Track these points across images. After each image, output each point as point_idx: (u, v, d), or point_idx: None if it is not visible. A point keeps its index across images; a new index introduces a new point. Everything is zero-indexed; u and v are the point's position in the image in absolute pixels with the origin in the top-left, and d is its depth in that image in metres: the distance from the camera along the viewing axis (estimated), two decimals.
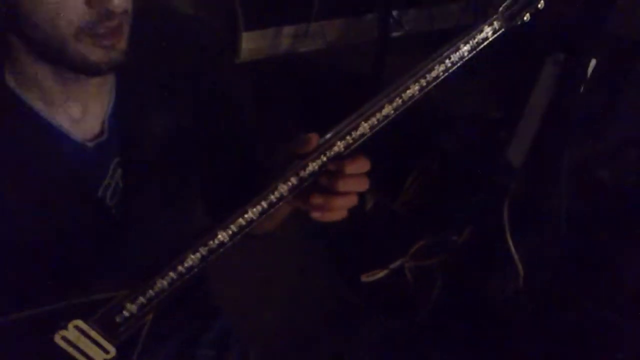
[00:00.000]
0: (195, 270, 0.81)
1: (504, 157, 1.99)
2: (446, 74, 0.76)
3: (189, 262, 0.80)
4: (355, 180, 0.78)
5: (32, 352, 0.82)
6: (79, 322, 0.80)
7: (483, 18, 0.78)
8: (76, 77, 0.82)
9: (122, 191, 0.92)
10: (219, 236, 0.79)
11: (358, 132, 0.76)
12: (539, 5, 0.80)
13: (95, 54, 0.75)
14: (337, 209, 0.80)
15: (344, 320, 2.05)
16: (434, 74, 0.76)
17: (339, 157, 0.77)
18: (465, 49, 0.77)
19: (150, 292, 0.81)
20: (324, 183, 0.78)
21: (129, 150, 0.91)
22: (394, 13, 3.17)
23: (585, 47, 1.81)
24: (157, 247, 0.89)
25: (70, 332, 0.80)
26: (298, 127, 0.78)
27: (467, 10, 3.29)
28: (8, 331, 0.83)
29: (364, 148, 0.79)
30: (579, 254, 1.99)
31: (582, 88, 1.81)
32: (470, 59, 0.78)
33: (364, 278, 2.13)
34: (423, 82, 0.76)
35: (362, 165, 0.78)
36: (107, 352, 0.82)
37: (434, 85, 0.77)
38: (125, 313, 0.81)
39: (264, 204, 0.78)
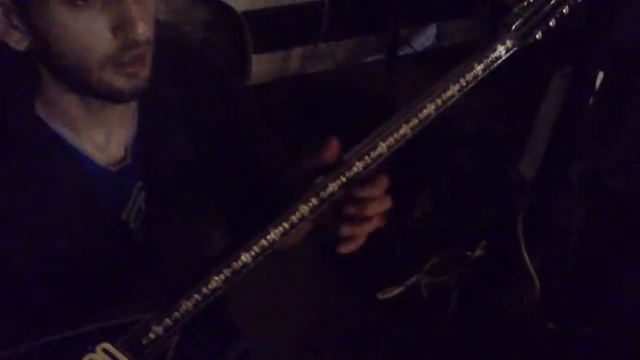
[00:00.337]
0: (220, 292, 0.82)
1: (515, 171, 2.00)
2: (461, 93, 0.78)
3: (213, 284, 0.81)
4: (380, 201, 0.80)
5: None
6: (107, 346, 0.82)
7: (495, 36, 0.80)
8: (102, 105, 0.84)
9: (145, 215, 0.94)
10: (243, 258, 0.80)
11: (376, 153, 0.77)
12: (551, 24, 0.81)
13: (120, 82, 0.78)
14: (365, 234, 0.81)
15: (361, 337, 2.05)
16: (449, 93, 0.78)
17: (358, 178, 0.78)
18: (479, 68, 0.78)
19: (176, 314, 0.83)
20: (351, 212, 0.79)
21: (151, 175, 0.93)
22: (402, 32, 3.19)
23: (592, 60, 1.82)
24: (180, 268, 0.90)
25: (99, 356, 0.82)
26: (307, 152, 0.80)
27: (475, 27, 3.32)
28: (36, 356, 0.85)
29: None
30: (594, 264, 1.99)
31: (591, 100, 1.82)
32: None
33: (380, 296, 2.13)
34: (439, 101, 0.78)
35: (383, 184, 0.79)
36: None
37: (450, 105, 0.78)
38: (152, 335, 0.83)
39: (286, 225, 0.79)
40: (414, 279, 2.16)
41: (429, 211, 2.37)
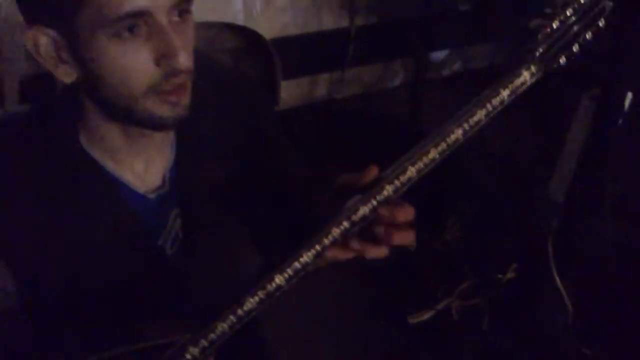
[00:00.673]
0: (254, 313, 0.84)
1: (545, 193, 2.00)
2: (488, 117, 0.80)
3: (248, 306, 0.83)
4: (405, 233, 0.81)
5: None
6: None
7: (519, 62, 0.82)
8: (141, 134, 0.88)
9: (181, 240, 0.97)
10: (276, 280, 0.82)
11: (406, 176, 0.79)
12: (574, 49, 0.83)
13: (162, 110, 0.81)
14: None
15: None
16: (476, 118, 0.79)
17: (389, 201, 0.80)
18: (505, 93, 0.79)
19: (212, 336, 0.85)
20: (380, 234, 0.81)
21: (187, 201, 0.96)
22: (427, 56, 3.22)
23: (620, 81, 1.82)
24: (215, 291, 0.93)
25: None
26: (337, 171, 0.81)
27: (500, 51, 3.33)
28: None
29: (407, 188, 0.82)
30: (628, 287, 1.96)
31: (620, 121, 1.81)
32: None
33: (411, 319, 2.13)
34: (466, 126, 0.79)
35: (410, 213, 0.81)
36: None
37: (477, 129, 0.80)
38: (188, 356, 0.85)
39: (318, 247, 0.81)
40: (444, 303, 2.15)
41: (459, 234, 2.37)
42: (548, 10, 0.82)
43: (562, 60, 0.82)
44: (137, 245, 0.95)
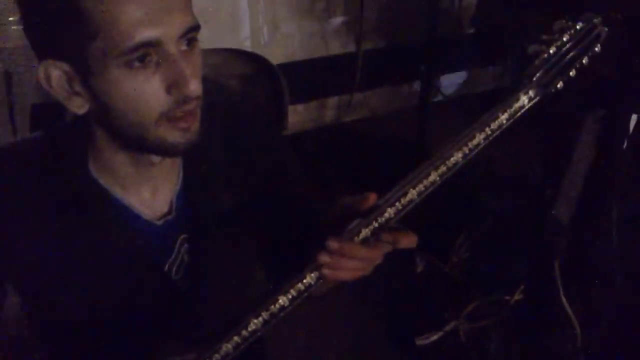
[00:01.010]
0: (258, 334, 0.86)
1: (551, 214, 1.99)
2: (487, 141, 0.81)
3: (252, 327, 0.85)
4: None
5: None
6: None
7: (518, 86, 0.83)
8: (149, 162, 0.90)
9: (188, 266, 0.98)
10: (280, 301, 0.84)
11: (407, 199, 0.81)
12: (571, 74, 0.84)
13: (173, 136, 0.82)
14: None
15: None
16: (475, 141, 0.81)
17: (389, 224, 0.82)
18: (503, 117, 0.81)
19: (217, 356, 0.86)
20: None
21: (194, 227, 0.97)
22: (434, 79, 3.24)
23: (625, 103, 1.83)
24: (221, 313, 0.94)
25: None
26: (344, 194, 0.82)
27: (505, 73, 3.35)
28: None
29: (413, 211, 0.83)
30: (637, 309, 1.95)
31: (625, 143, 1.82)
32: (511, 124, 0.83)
33: (419, 341, 2.12)
34: (465, 149, 0.81)
35: (412, 241, 0.83)
36: None
37: (476, 152, 0.82)
38: None
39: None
40: (452, 324, 2.15)
41: (466, 256, 2.37)
42: (545, 37, 0.84)
43: (560, 84, 0.84)
44: (143, 270, 0.96)
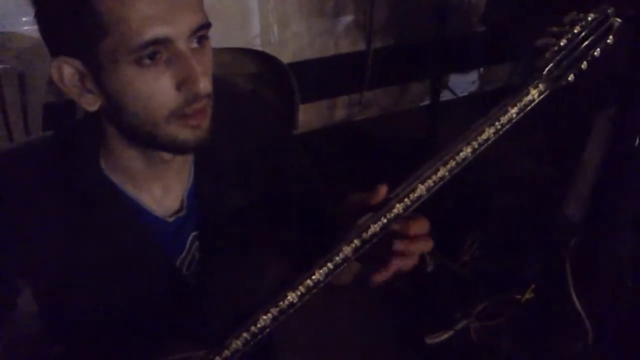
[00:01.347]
0: (268, 330, 0.86)
1: (561, 213, 1.99)
2: (496, 135, 0.81)
3: (261, 323, 0.85)
4: (421, 241, 0.83)
5: None
6: None
7: (527, 80, 0.82)
8: (161, 159, 0.90)
9: (198, 262, 0.99)
10: (289, 297, 0.84)
11: (415, 195, 0.80)
12: (582, 66, 0.84)
13: (184, 134, 0.82)
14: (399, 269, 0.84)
15: None
16: (484, 136, 0.80)
17: (398, 219, 0.81)
18: (513, 111, 0.81)
19: (226, 352, 0.86)
20: (396, 247, 0.83)
21: (205, 224, 0.98)
22: (444, 77, 3.24)
23: (636, 100, 1.82)
24: (231, 310, 0.94)
25: None
26: (355, 192, 0.82)
27: (515, 71, 3.34)
28: None
29: (423, 211, 0.83)
30: None
31: (637, 141, 1.81)
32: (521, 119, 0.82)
33: (429, 340, 2.12)
34: (475, 144, 0.80)
35: (423, 225, 0.83)
36: None
37: (485, 147, 0.81)
38: None
39: (330, 265, 0.82)
40: (463, 323, 2.14)
41: (477, 255, 2.36)
42: (555, 29, 0.84)
43: (571, 77, 0.83)
44: (154, 266, 0.96)
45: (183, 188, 0.97)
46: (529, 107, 0.81)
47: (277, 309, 0.84)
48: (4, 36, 2.06)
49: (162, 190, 0.95)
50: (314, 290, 0.83)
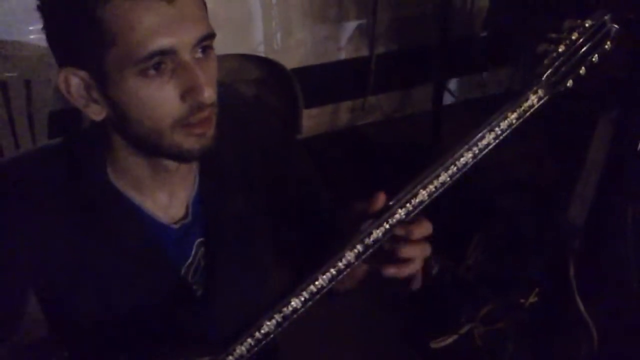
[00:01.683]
0: (271, 336, 0.86)
1: (565, 217, 1.99)
2: (497, 141, 0.82)
3: (265, 329, 0.85)
4: (420, 246, 0.84)
5: None
6: None
7: (527, 86, 0.83)
8: (166, 167, 0.91)
9: (204, 269, 0.99)
10: (292, 303, 0.84)
11: (417, 200, 0.81)
12: (581, 72, 0.84)
13: (189, 143, 0.83)
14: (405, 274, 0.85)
15: None
16: (485, 141, 0.81)
17: (401, 224, 0.82)
18: (513, 116, 0.82)
19: (230, 358, 0.87)
20: (398, 253, 0.84)
21: (211, 231, 0.98)
22: (447, 82, 3.24)
23: (638, 103, 1.82)
24: (236, 317, 0.95)
25: None
26: (358, 197, 0.83)
27: (518, 75, 3.34)
28: None
29: (428, 214, 0.84)
30: None
31: None
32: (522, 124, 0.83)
33: (433, 344, 2.12)
34: (475, 149, 0.81)
35: (426, 228, 0.84)
36: None
37: (486, 153, 0.82)
38: None
39: (333, 271, 0.83)
40: (467, 327, 2.14)
41: (481, 258, 2.36)
42: (554, 35, 0.84)
43: (570, 83, 0.84)
44: (160, 273, 0.97)
45: (188, 195, 0.97)
46: (528, 113, 0.82)
47: (281, 314, 0.85)
48: (11, 45, 2.09)
49: (167, 197, 0.95)
50: (318, 297, 0.84)
